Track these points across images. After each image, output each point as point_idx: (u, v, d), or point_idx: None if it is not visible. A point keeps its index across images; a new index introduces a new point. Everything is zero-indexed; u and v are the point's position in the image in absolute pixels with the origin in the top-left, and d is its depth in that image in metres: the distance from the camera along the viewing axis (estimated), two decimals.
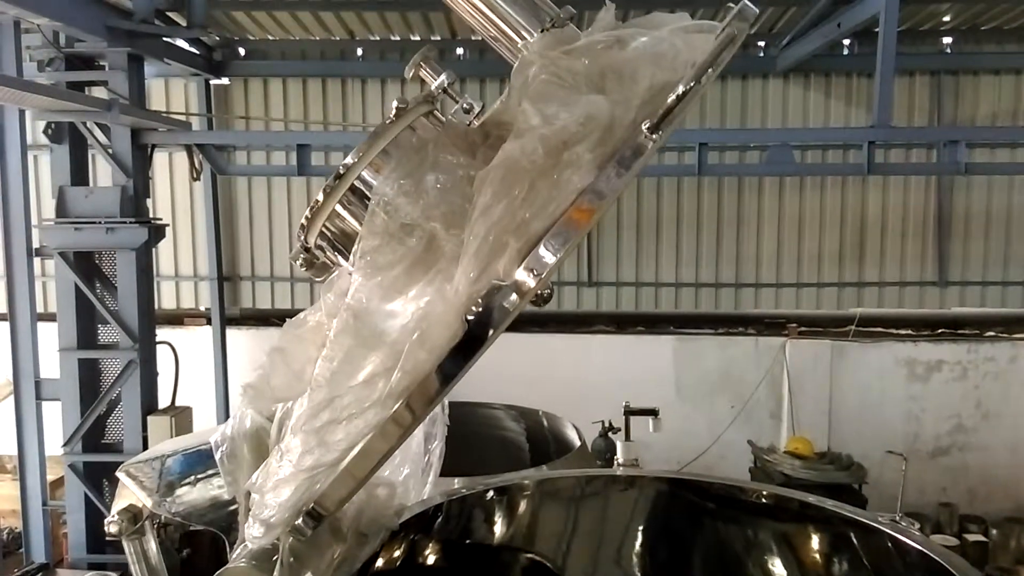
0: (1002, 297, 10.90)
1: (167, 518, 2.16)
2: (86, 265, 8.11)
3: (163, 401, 8.45)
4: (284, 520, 1.61)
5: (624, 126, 1.50)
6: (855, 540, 2.49)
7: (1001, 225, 10.78)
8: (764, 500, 2.72)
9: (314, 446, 1.53)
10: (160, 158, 10.36)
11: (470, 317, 1.44)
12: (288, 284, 11.39)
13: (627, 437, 7.72)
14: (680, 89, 1.43)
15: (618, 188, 1.47)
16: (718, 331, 10.92)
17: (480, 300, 1.43)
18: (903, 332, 10.88)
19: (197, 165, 9.06)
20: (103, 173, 9.29)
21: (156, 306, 9.09)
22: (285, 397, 1.77)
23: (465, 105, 1.73)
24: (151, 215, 8.61)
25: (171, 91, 11.01)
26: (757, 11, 1.67)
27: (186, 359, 8.78)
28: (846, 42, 10.28)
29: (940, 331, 10.88)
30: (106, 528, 2.11)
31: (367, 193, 1.60)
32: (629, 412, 7.88)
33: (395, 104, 1.63)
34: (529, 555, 2.85)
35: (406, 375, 1.46)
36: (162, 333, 8.85)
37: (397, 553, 2.52)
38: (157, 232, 8.42)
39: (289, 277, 11.35)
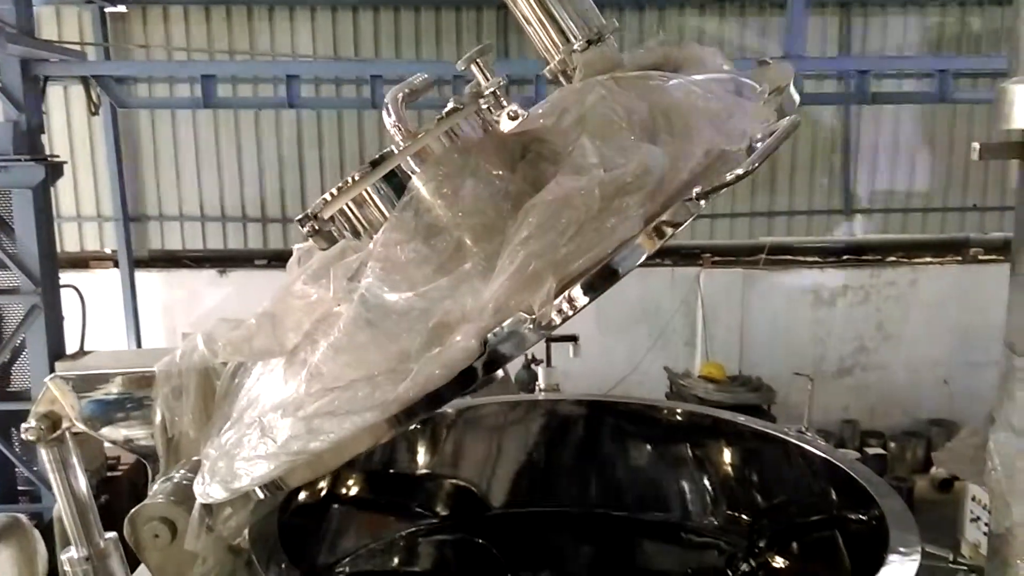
0: (903, 223, 11.41)
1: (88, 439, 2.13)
2: None
3: (71, 346, 8.15)
4: (248, 490, 1.60)
5: (675, 185, 1.50)
6: (765, 452, 2.61)
7: (904, 154, 11.20)
8: (679, 417, 2.82)
9: (303, 432, 1.50)
10: (55, 91, 9.79)
11: (489, 340, 1.40)
12: (199, 224, 11.03)
13: (548, 363, 7.86)
14: (740, 171, 1.42)
15: (656, 247, 1.46)
16: None
17: (503, 326, 1.39)
18: (810, 259, 11.31)
19: (95, 98, 8.58)
20: None
21: (59, 249, 8.69)
22: (261, 359, 1.75)
23: (510, 112, 1.67)
24: (47, 152, 8.16)
25: (63, 19, 10.35)
26: (798, 100, 1.73)
27: (94, 303, 8.46)
28: None
29: (845, 257, 11.35)
30: (23, 434, 2.04)
31: (402, 184, 1.56)
32: (550, 339, 8.01)
33: (451, 102, 1.60)
34: (453, 481, 2.90)
35: (416, 386, 1.42)
36: (66, 277, 8.48)
37: (321, 485, 2.52)
38: (55, 170, 7.99)
39: (200, 216, 11.00)
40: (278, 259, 10.72)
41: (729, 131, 1.58)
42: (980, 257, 11.23)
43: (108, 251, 10.95)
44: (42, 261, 7.75)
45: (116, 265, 10.62)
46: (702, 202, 1.42)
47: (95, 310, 8.49)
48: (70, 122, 10.59)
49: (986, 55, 10.64)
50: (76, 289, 8.27)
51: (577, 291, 1.39)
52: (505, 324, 1.39)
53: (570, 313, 1.40)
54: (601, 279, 1.40)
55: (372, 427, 1.46)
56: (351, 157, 10.81)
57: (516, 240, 1.43)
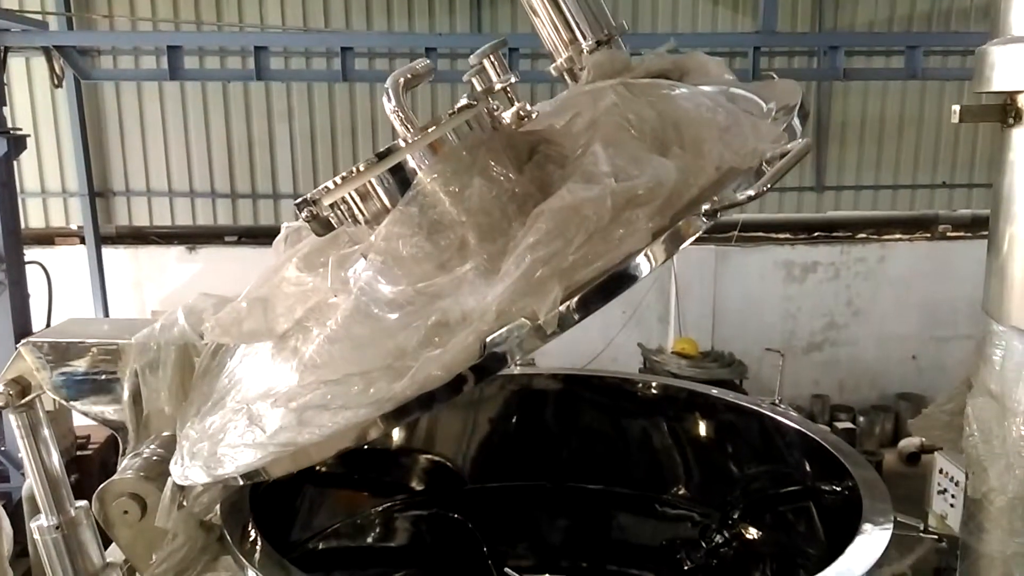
0: (874, 200, 11.50)
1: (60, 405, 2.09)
2: None
3: (37, 324, 8.00)
4: (230, 477, 1.57)
5: (684, 200, 1.49)
6: (738, 424, 2.62)
7: (874, 131, 11.28)
8: (654, 391, 2.83)
9: (293, 424, 1.48)
10: (16, 63, 9.53)
11: (488, 344, 1.38)
12: (167, 199, 10.83)
13: None
14: (751, 192, 1.44)
15: (662, 263, 1.46)
16: None
17: (504, 331, 1.37)
18: (782, 236, 11.39)
19: (58, 70, 8.38)
20: None
21: (23, 225, 8.50)
22: (250, 342, 1.72)
23: (522, 112, 1.65)
24: (9, 125, 7.95)
25: None
26: (801, 128, 1.71)
27: (60, 280, 8.31)
28: None
29: (816, 234, 11.45)
30: None
31: (408, 178, 1.52)
32: None
33: (464, 99, 1.57)
34: (428, 456, 2.89)
35: (414, 384, 1.40)
36: (31, 253, 8.31)
37: None
38: (17, 144, 7.80)
39: (167, 191, 10.80)
40: (248, 236, 10.57)
41: (739, 148, 1.58)
42: (949, 234, 11.37)
43: (74, 227, 10.73)
44: (6, 237, 7.59)
45: (82, 241, 10.41)
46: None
47: (61, 288, 8.34)
48: (33, 95, 10.32)
49: (957, 32, 10.71)
50: (42, 266, 8.11)
51: (580, 300, 1.38)
52: (506, 329, 1.37)
53: (571, 321, 1.39)
54: (606, 290, 1.40)
55: (363, 423, 1.44)
56: (322, 131, 10.66)
57: (524, 245, 1.42)
